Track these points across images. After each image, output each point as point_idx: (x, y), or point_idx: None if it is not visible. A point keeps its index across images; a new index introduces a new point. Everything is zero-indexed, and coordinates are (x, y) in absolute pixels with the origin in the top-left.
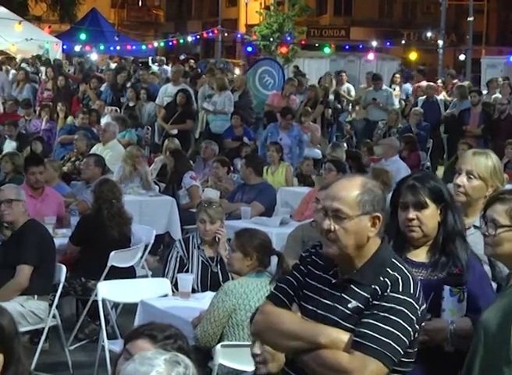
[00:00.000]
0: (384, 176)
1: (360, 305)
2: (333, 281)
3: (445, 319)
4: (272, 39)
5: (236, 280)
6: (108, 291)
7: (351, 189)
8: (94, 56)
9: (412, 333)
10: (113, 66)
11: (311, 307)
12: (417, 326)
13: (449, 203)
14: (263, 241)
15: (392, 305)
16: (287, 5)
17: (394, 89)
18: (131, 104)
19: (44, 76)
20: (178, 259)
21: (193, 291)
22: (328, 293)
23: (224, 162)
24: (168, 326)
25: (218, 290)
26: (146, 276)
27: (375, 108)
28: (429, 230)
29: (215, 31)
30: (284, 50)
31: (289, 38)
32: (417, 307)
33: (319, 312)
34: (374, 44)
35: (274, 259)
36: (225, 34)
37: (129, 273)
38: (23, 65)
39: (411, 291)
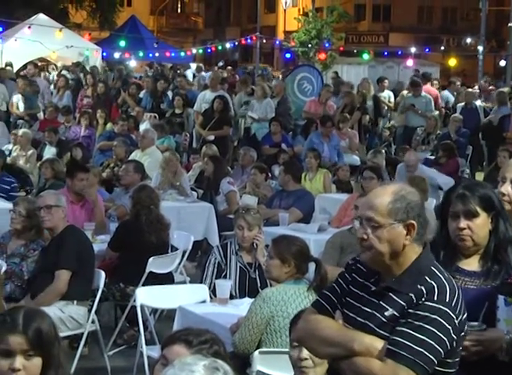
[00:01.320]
0: (421, 183)
1: (395, 313)
2: (373, 289)
3: (500, 329)
4: (310, 45)
5: (274, 287)
6: (147, 296)
7: (383, 197)
8: (132, 63)
9: (448, 342)
10: (151, 72)
11: (352, 314)
12: (454, 336)
13: (500, 211)
14: (301, 248)
15: (427, 314)
16: (326, 12)
17: None
18: (178, 111)
19: (72, 80)
20: (216, 265)
21: (231, 297)
22: (368, 300)
23: (262, 168)
24: (205, 332)
25: (256, 296)
26: (184, 282)
27: (413, 114)
28: (480, 239)
29: (254, 38)
30: (322, 56)
31: (327, 45)
32: (453, 316)
33: (359, 319)
34: (413, 50)
35: (312, 266)
36: (264, 41)
37: (167, 278)
38: (64, 72)
39: (447, 300)
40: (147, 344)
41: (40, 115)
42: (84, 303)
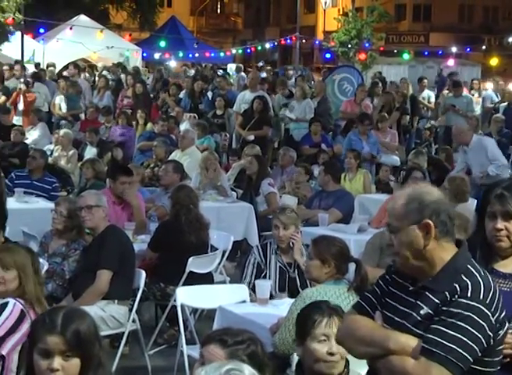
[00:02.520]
0: (461, 184)
1: (430, 312)
2: (410, 288)
3: None
4: (350, 45)
5: (315, 288)
6: (187, 296)
7: (398, 200)
8: (172, 63)
9: (484, 340)
10: (191, 72)
11: (390, 314)
12: (490, 333)
13: None
14: (341, 248)
15: (460, 311)
16: (366, 12)
17: (473, 95)
18: (219, 112)
19: (112, 81)
20: (255, 265)
21: (271, 297)
22: (405, 300)
23: (307, 169)
24: (242, 331)
25: (295, 296)
26: (224, 282)
27: (454, 114)
28: None
29: (293, 38)
30: (362, 56)
31: (367, 45)
32: (488, 313)
33: (396, 319)
34: (453, 49)
35: (352, 267)
36: (303, 41)
37: (207, 278)
38: (104, 72)
39: (481, 297)
40: (187, 344)
41: (82, 115)
42: (125, 302)
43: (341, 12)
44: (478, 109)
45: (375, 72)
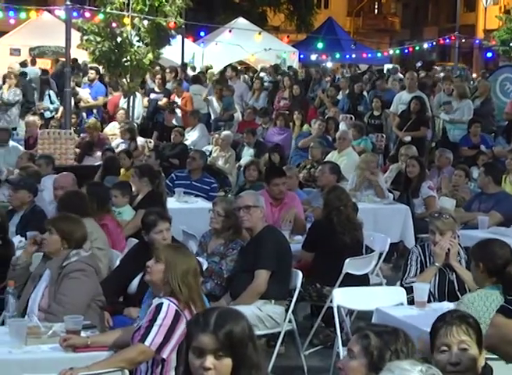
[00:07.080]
0: None
1: None
2: None
3: None
4: (511, 44)
5: (475, 293)
6: (343, 297)
7: None
8: (328, 65)
9: None
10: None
11: None
12: None
13: None
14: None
15: None
16: None
17: None
18: (376, 113)
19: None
20: (418, 262)
21: (429, 300)
22: None
23: (467, 172)
24: (386, 326)
25: (453, 299)
26: (380, 284)
27: None
28: None
29: (452, 37)
30: None
31: None
32: None
33: None
34: None
35: None
36: (463, 40)
37: (363, 280)
38: (261, 74)
39: None
40: (343, 345)
41: (239, 116)
42: (282, 302)
43: (503, 10)
44: None
45: None
